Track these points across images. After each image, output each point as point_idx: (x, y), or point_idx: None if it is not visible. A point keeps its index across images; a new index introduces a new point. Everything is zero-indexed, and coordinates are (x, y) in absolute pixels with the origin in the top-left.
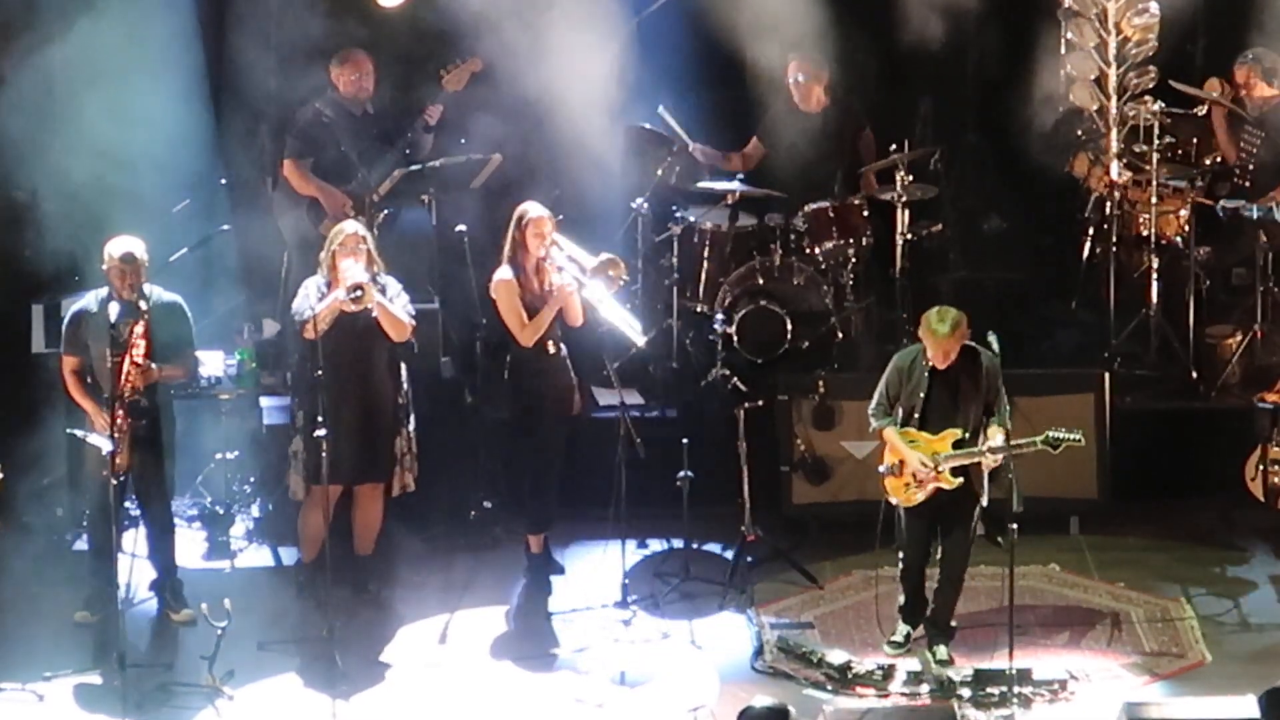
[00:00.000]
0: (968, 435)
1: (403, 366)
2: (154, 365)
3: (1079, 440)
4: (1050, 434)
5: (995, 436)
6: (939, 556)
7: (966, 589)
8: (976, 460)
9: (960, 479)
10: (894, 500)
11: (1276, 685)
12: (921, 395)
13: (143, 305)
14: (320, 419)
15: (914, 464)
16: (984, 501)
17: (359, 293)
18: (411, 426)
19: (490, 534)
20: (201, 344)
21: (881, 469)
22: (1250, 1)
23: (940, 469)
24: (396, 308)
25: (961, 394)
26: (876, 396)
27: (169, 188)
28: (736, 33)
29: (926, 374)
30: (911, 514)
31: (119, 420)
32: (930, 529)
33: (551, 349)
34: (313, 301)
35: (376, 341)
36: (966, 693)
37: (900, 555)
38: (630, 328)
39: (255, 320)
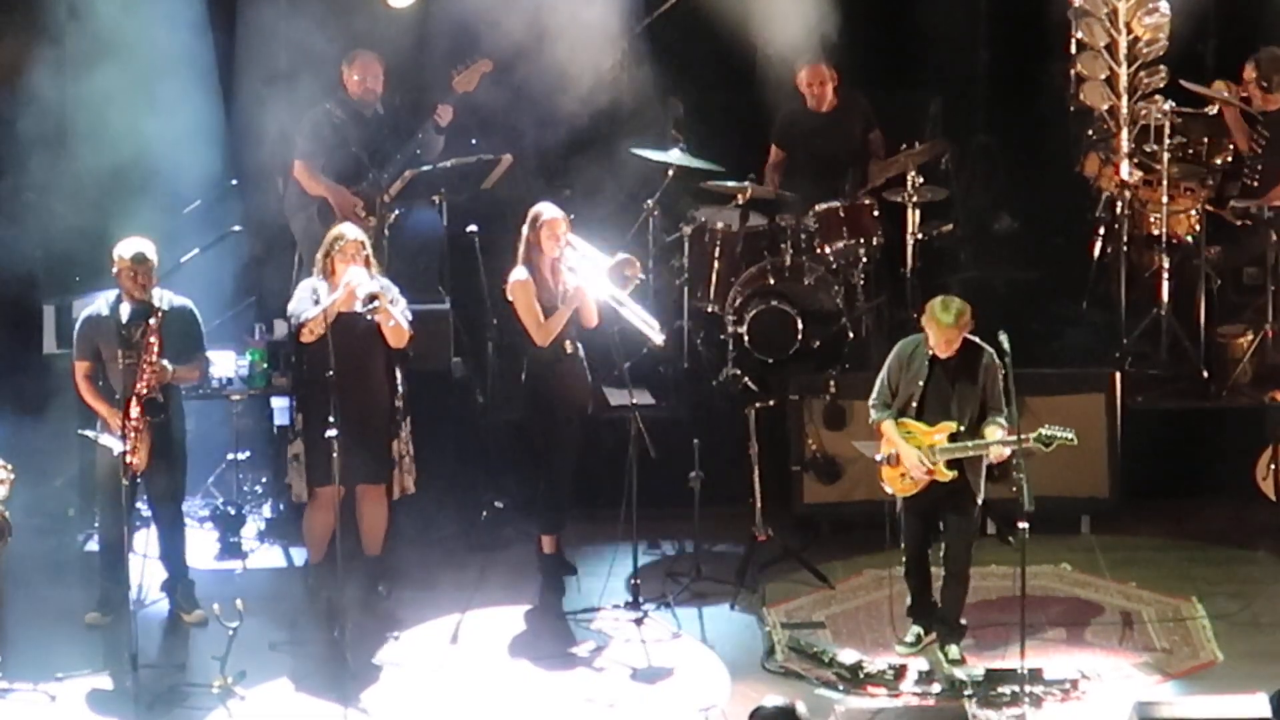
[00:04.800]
0: (963, 428)
1: (398, 370)
2: (168, 365)
3: (1071, 439)
4: (1043, 431)
5: (992, 433)
6: (942, 554)
7: (977, 589)
8: (972, 454)
9: (955, 472)
10: (889, 490)
11: None
12: (920, 384)
13: (155, 303)
14: (330, 419)
15: (909, 459)
16: (980, 498)
17: (375, 304)
18: (408, 430)
19: (501, 534)
20: (213, 345)
21: (878, 458)
22: (1260, 0)
23: (935, 461)
24: (398, 314)
25: (960, 386)
26: (877, 386)
27: (180, 189)
28: (746, 34)
29: (927, 363)
30: (909, 510)
31: (134, 420)
32: (928, 525)
33: (569, 349)
34: (309, 304)
35: (375, 345)
36: (978, 692)
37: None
38: (648, 326)
39: (266, 321)
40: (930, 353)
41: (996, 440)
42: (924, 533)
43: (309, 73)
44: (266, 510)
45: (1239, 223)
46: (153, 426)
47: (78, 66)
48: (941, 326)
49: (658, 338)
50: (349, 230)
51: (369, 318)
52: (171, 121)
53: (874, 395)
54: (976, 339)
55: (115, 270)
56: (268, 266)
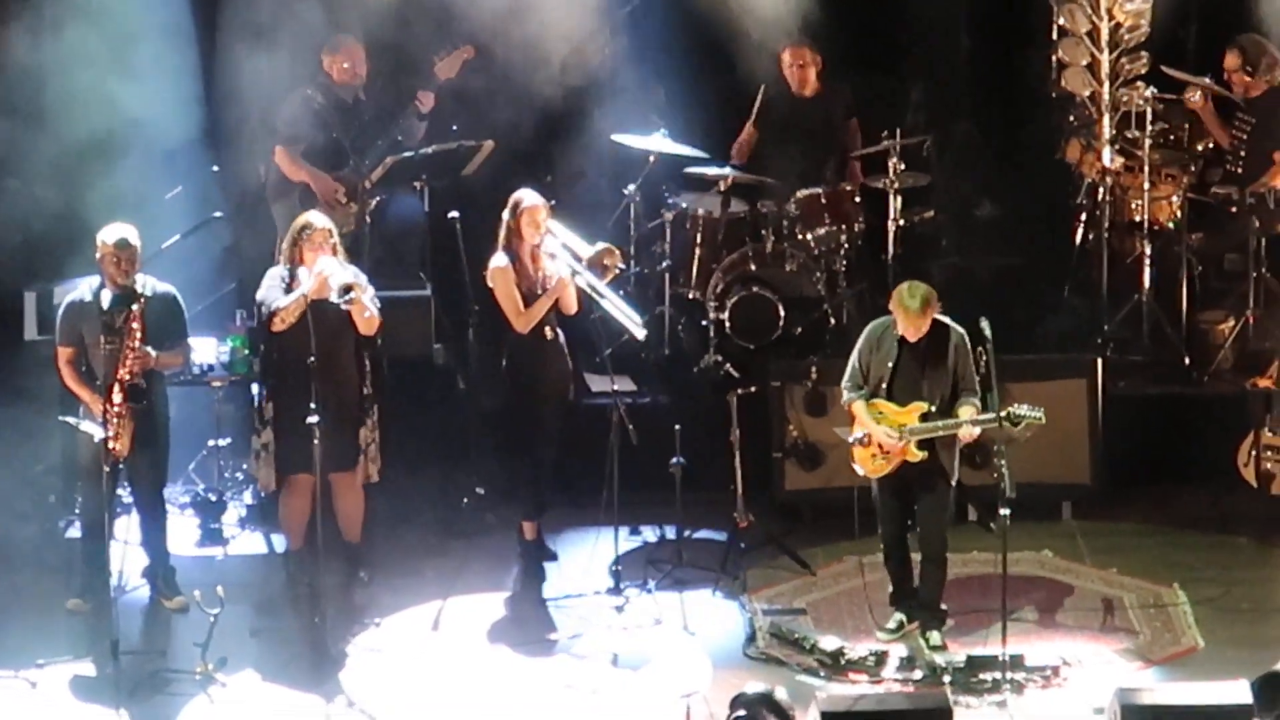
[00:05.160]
0: (934, 409)
1: (366, 358)
2: (151, 351)
3: (1040, 419)
4: (1012, 410)
5: (964, 412)
6: (918, 537)
7: (959, 575)
8: (942, 434)
9: (925, 452)
10: (861, 471)
11: (1269, 671)
12: (890, 365)
13: (138, 289)
14: (313, 405)
15: (880, 437)
16: (954, 480)
17: (351, 295)
18: (375, 417)
19: (482, 520)
20: (194, 331)
21: (850, 439)
22: None
23: (906, 440)
24: (369, 302)
25: (930, 367)
26: (849, 368)
27: (161, 175)
28: (729, 19)
29: (896, 344)
30: (883, 492)
31: (117, 406)
32: (903, 508)
33: (549, 334)
34: (279, 293)
35: (345, 332)
36: (959, 678)
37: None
38: (629, 320)
39: (248, 307)
40: (899, 334)
41: (966, 420)
42: (900, 516)
43: (291, 58)
44: (247, 497)
45: (1232, 209)
46: (136, 413)
47: (59, 51)
48: (908, 313)
49: (639, 332)
50: (316, 219)
51: (344, 308)
52: (152, 106)
53: (845, 377)
54: (947, 319)
55: (99, 256)
56: (249, 252)
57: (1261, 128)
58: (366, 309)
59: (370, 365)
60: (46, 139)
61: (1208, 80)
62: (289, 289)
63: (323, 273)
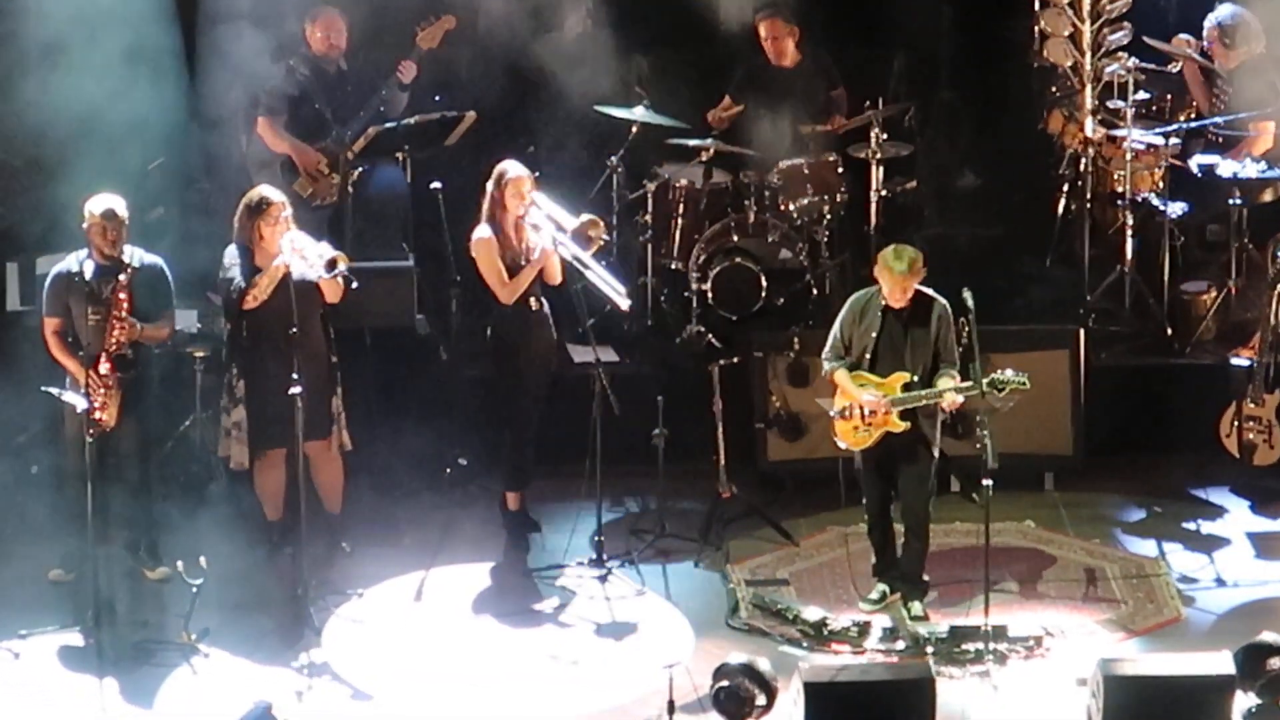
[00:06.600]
0: (916, 379)
1: (330, 328)
2: (137, 322)
3: (1024, 384)
4: (995, 376)
5: (943, 383)
6: (900, 509)
7: (942, 546)
8: (925, 403)
9: (907, 423)
10: (843, 444)
11: (1251, 641)
12: (874, 335)
13: (125, 259)
14: (295, 375)
15: (866, 399)
16: (936, 451)
17: (340, 269)
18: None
19: (465, 491)
20: (176, 302)
21: (832, 412)
22: None
23: (889, 411)
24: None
25: (912, 337)
26: (830, 339)
27: (143, 145)
28: None
29: (879, 314)
30: (867, 465)
31: (104, 377)
32: (887, 479)
33: (534, 305)
34: (241, 271)
35: (313, 303)
36: (942, 649)
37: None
38: (614, 292)
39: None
40: (883, 304)
41: (949, 387)
42: (884, 487)
43: (272, 29)
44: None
45: (1203, 171)
46: (123, 383)
47: (39, 20)
48: (895, 275)
49: (624, 303)
50: (272, 194)
51: (337, 279)
52: (134, 76)
53: (827, 348)
54: (929, 290)
55: (86, 226)
56: (231, 224)
57: (1238, 99)
58: (353, 281)
59: (334, 334)
60: (27, 109)
61: (1188, 50)
62: (251, 266)
63: (298, 247)
